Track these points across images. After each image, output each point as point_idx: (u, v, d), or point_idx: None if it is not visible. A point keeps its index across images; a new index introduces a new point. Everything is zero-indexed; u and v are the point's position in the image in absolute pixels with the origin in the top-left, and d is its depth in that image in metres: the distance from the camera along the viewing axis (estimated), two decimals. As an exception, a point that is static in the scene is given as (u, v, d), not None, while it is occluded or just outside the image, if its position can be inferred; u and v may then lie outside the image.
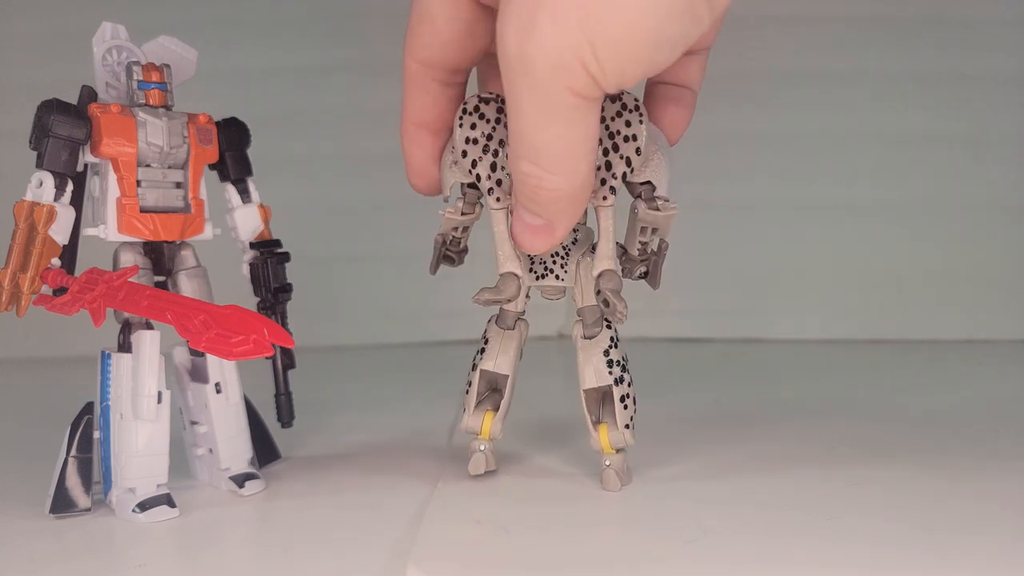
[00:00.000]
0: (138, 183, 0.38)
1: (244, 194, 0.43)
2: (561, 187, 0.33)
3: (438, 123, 0.38)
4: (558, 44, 0.29)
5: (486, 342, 0.41)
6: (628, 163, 0.37)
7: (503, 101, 0.36)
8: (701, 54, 0.39)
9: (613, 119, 0.37)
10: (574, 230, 0.39)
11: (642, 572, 0.31)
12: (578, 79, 0.30)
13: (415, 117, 0.38)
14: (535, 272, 0.40)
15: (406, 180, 0.40)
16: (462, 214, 0.39)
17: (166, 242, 0.40)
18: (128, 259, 0.38)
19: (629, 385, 0.40)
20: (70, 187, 0.37)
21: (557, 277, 0.39)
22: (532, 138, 0.32)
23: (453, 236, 0.40)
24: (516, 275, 0.38)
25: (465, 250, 0.42)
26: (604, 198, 0.37)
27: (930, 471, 0.41)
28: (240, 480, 0.40)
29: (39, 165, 0.36)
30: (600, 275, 0.38)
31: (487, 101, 0.38)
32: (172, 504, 0.37)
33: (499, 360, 0.40)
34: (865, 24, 0.81)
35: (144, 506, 0.37)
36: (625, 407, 0.40)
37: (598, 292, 0.38)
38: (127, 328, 0.38)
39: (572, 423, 0.44)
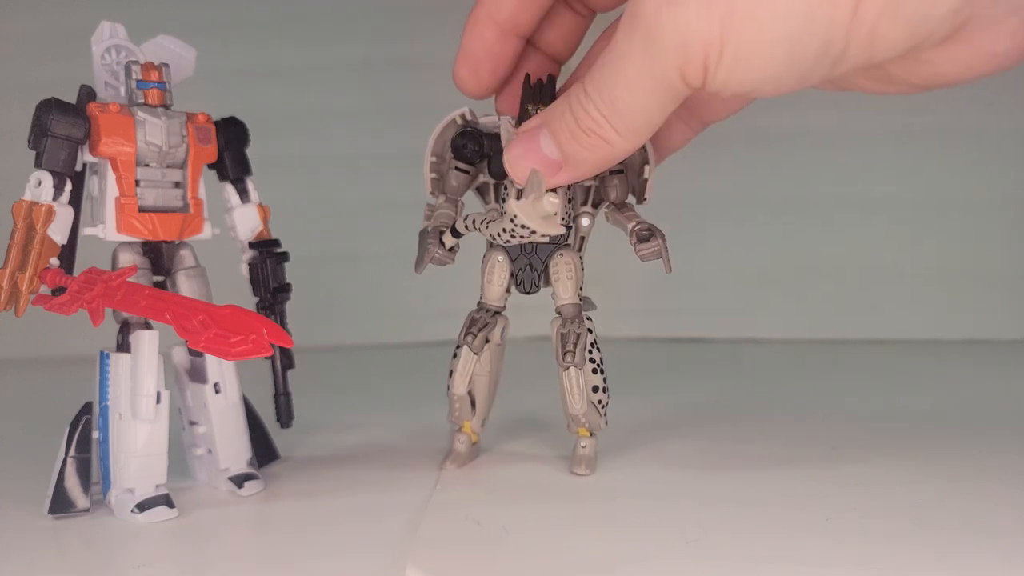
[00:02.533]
0: (137, 183, 0.38)
1: (243, 194, 0.43)
2: (613, 145, 0.33)
3: (508, 23, 0.38)
4: (695, 27, 0.29)
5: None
6: None
7: None
8: (697, 126, 0.41)
9: None
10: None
11: (642, 572, 0.30)
12: (693, 66, 0.30)
13: (490, 8, 0.38)
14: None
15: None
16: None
17: (165, 242, 0.40)
18: (127, 259, 0.38)
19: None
20: (69, 186, 0.37)
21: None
22: (618, 95, 0.32)
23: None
24: None
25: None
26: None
27: (930, 471, 0.41)
28: (239, 480, 0.40)
29: (38, 164, 0.36)
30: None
31: None
32: (171, 504, 0.37)
33: None
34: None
35: (143, 506, 0.37)
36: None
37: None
38: (126, 328, 0.38)
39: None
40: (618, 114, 0.32)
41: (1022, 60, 0.31)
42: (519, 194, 0.41)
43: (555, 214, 0.35)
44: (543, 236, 0.36)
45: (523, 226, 0.35)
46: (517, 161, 0.36)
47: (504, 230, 0.37)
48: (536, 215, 0.34)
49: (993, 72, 0.31)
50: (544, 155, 0.35)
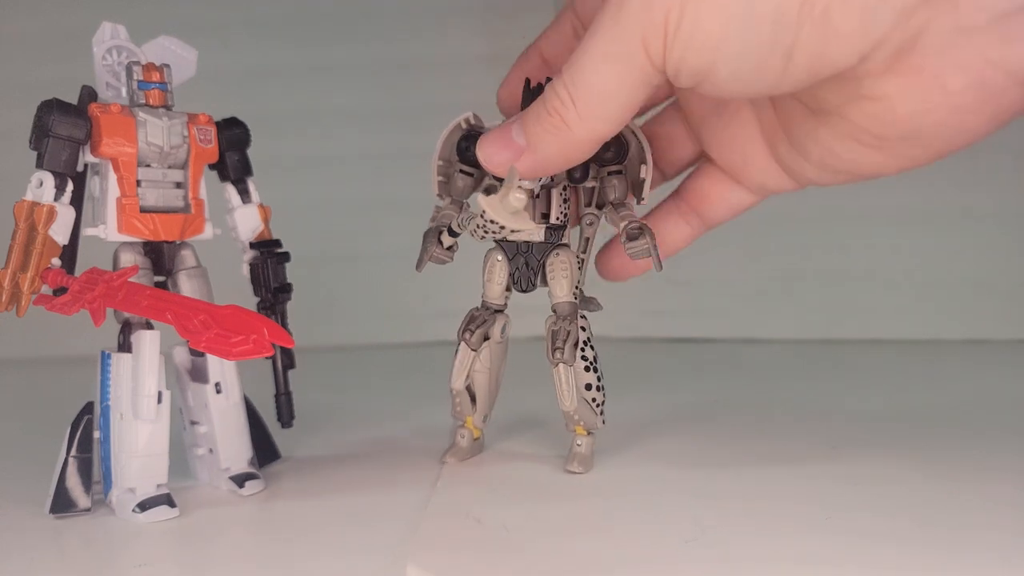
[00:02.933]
0: (138, 183, 0.38)
1: (244, 194, 0.43)
2: (571, 128, 0.33)
3: (552, 60, 0.41)
4: None
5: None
6: None
7: None
8: (697, 224, 0.42)
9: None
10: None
11: (641, 571, 0.31)
12: (653, 38, 0.30)
13: (542, 42, 0.42)
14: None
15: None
16: None
17: (166, 242, 0.40)
18: (128, 259, 0.38)
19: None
20: (70, 187, 0.37)
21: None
22: (584, 66, 0.32)
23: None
24: None
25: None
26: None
27: (929, 470, 0.41)
28: (240, 480, 0.40)
29: (39, 165, 0.36)
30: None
31: None
32: (172, 504, 0.37)
33: None
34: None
35: (144, 506, 0.37)
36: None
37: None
38: (127, 328, 0.38)
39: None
40: (579, 90, 0.32)
41: (986, 120, 0.31)
42: (487, 191, 0.42)
43: (524, 210, 0.35)
44: (515, 232, 0.37)
45: (492, 221, 0.35)
46: (485, 146, 0.36)
47: (478, 226, 0.38)
48: (504, 211, 0.34)
49: (953, 127, 0.31)
50: (512, 140, 0.35)
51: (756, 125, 0.38)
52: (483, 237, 0.39)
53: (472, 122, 0.41)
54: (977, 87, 0.30)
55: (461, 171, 0.42)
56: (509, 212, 0.34)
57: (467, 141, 0.41)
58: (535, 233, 0.41)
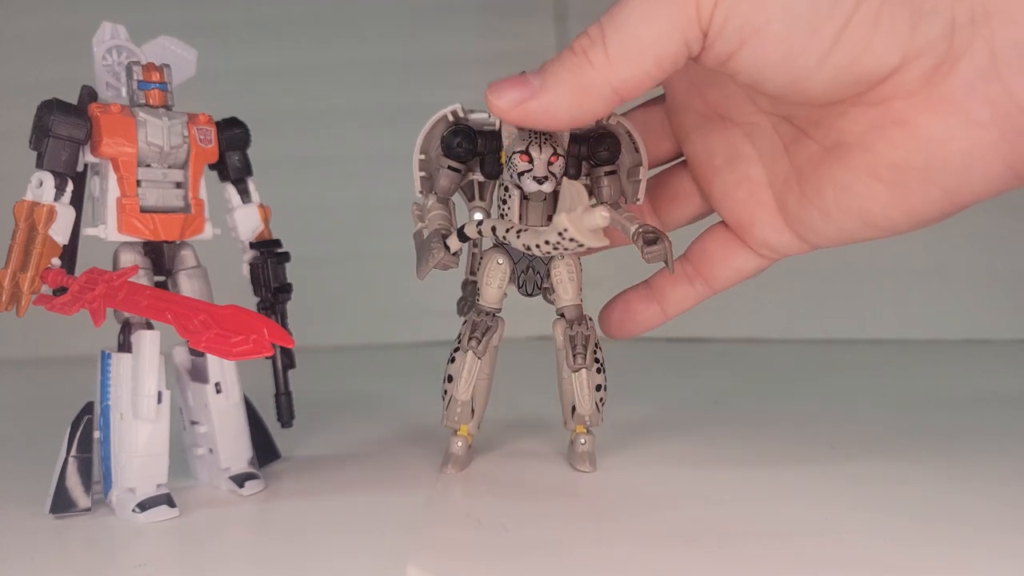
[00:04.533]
0: (138, 183, 0.38)
1: (244, 194, 0.43)
2: (595, 67, 0.31)
3: None
4: None
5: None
6: None
7: None
8: (702, 288, 0.43)
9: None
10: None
11: (641, 570, 0.31)
12: None
13: None
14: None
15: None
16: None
17: (166, 242, 0.40)
18: (128, 259, 0.38)
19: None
20: (70, 187, 0.37)
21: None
22: (626, 6, 0.31)
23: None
24: None
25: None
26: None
27: (930, 470, 0.41)
28: (240, 480, 0.40)
29: (39, 165, 0.37)
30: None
31: None
32: (172, 504, 0.37)
33: None
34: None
35: (144, 506, 0.37)
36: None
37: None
38: (127, 328, 0.38)
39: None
40: (615, 29, 0.31)
41: (1003, 163, 0.31)
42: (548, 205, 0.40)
43: (603, 227, 0.33)
44: (581, 247, 0.34)
45: (571, 239, 0.33)
46: (495, 84, 0.33)
47: (547, 242, 0.35)
48: (585, 228, 0.32)
49: (972, 164, 0.31)
50: (527, 80, 0.33)
51: (765, 178, 0.38)
52: (549, 253, 0.36)
53: (460, 115, 0.39)
54: (1001, 121, 0.30)
55: (449, 167, 0.39)
56: (590, 229, 0.32)
57: (456, 136, 0.39)
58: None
